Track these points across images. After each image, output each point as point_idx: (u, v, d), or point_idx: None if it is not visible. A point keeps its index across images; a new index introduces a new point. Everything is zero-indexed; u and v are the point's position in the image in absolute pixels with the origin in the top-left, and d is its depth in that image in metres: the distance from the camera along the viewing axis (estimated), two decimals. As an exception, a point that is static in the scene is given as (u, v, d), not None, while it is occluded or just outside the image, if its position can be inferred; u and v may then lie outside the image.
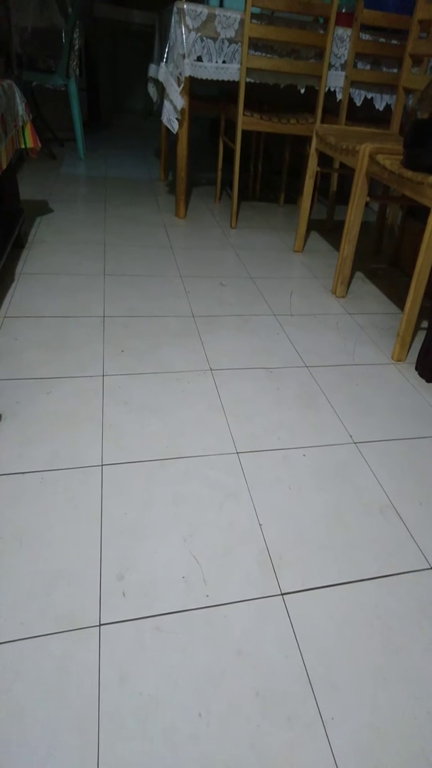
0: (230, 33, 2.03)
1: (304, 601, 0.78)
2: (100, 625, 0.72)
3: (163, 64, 2.14)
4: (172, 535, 0.86)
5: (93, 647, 0.69)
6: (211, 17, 1.98)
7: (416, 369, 1.41)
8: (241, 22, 2.00)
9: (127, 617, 0.73)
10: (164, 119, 2.19)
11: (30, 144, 1.82)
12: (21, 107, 1.74)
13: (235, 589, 0.79)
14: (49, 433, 1.05)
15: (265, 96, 2.91)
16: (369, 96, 2.38)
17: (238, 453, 1.05)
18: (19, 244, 1.92)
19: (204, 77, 2.09)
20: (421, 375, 1.38)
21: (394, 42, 2.23)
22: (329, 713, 0.65)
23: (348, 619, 0.76)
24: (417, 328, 1.62)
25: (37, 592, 0.75)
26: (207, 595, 0.77)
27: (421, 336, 1.57)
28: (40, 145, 1.87)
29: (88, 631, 0.71)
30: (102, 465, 0.98)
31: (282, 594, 0.79)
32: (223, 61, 2.09)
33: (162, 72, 2.14)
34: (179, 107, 2.12)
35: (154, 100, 2.74)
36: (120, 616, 0.73)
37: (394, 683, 0.69)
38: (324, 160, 2.05)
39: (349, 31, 2.18)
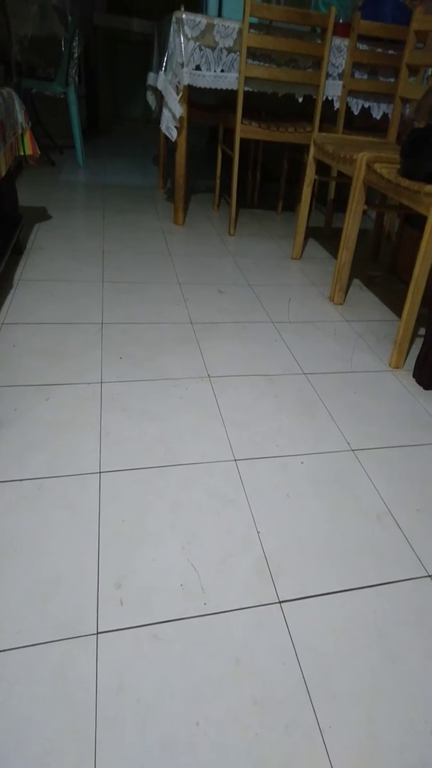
0: (229, 42, 2.05)
1: (302, 609, 0.78)
2: (98, 633, 0.72)
3: (161, 73, 2.15)
4: (170, 543, 0.86)
5: (90, 655, 0.69)
6: (210, 27, 2.00)
7: (414, 376, 1.41)
8: (240, 32, 2.02)
9: (124, 625, 0.73)
10: (163, 127, 2.21)
11: (29, 151, 1.83)
12: (20, 115, 1.75)
13: (233, 597, 0.79)
14: (47, 440, 1.05)
15: (263, 105, 2.93)
16: (366, 105, 2.40)
17: (236, 460, 1.05)
18: (18, 251, 1.93)
19: (202, 86, 2.11)
20: (419, 382, 1.38)
21: (391, 52, 2.25)
22: (327, 722, 0.65)
23: (346, 627, 0.76)
24: (414, 335, 1.62)
25: (34, 599, 0.75)
26: (205, 603, 0.77)
27: (418, 343, 1.58)
28: (39, 152, 1.88)
29: (85, 639, 0.71)
30: (100, 472, 0.98)
31: (280, 602, 0.79)
32: (222, 70, 2.10)
33: (161, 80, 2.16)
34: (178, 115, 2.13)
35: (153, 108, 2.75)
36: (118, 624, 0.73)
37: (392, 692, 0.69)
38: (322, 168, 2.07)
39: (346, 41, 2.20)
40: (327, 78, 2.25)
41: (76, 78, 3.25)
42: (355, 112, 2.40)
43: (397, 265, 2.15)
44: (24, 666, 0.67)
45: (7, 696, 0.64)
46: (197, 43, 2.02)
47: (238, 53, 2.07)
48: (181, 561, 0.83)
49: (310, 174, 2.02)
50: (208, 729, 0.63)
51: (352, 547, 0.89)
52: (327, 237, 2.54)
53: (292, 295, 1.84)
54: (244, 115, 2.24)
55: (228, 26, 2.01)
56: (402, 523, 0.95)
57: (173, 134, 2.20)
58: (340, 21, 2.27)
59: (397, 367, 1.45)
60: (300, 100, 2.32)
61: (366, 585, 0.83)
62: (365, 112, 2.47)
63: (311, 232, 2.59)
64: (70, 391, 1.20)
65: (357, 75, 2.31)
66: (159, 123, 2.27)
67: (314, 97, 2.28)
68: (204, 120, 2.63)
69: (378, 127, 2.64)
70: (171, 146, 2.64)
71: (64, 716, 0.62)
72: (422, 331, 1.67)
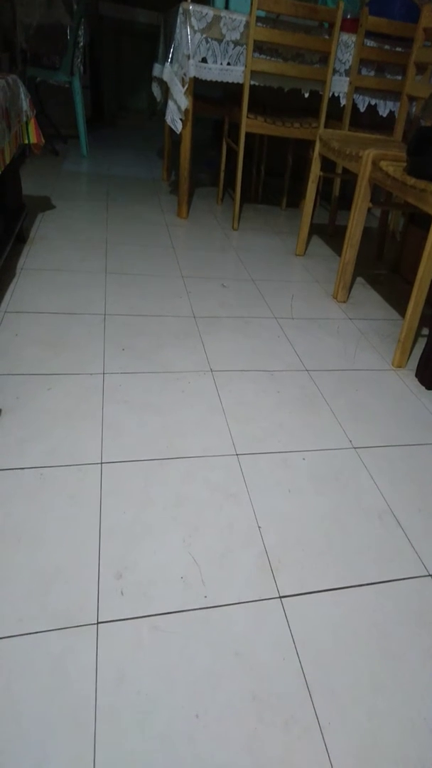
0: (235, 35, 2.03)
1: (302, 604, 0.78)
2: (98, 623, 0.72)
3: (167, 64, 2.14)
4: (171, 535, 0.86)
5: (90, 645, 0.69)
6: (217, 19, 1.98)
7: (416, 376, 1.41)
8: (247, 25, 2.00)
9: (124, 616, 0.73)
10: (168, 119, 2.19)
11: (33, 140, 1.81)
12: (25, 103, 1.73)
13: (233, 591, 0.79)
14: (48, 429, 1.04)
15: (268, 99, 2.91)
16: (373, 102, 2.39)
17: (237, 455, 1.05)
18: (21, 240, 1.91)
19: (208, 79, 2.09)
20: (422, 382, 1.38)
21: (398, 49, 2.24)
22: (326, 718, 0.65)
23: (346, 624, 0.76)
24: (418, 335, 1.62)
25: (35, 589, 0.75)
26: (205, 596, 0.77)
27: (421, 343, 1.58)
28: (43, 141, 1.86)
29: (85, 629, 0.71)
30: (101, 463, 0.98)
31: (280, 597, 0.79)
32: (228, 63, 2.09)
33: (166, 72, 2.14)
34: (183, 108, 2.12)
35: (158, 99, 2.73)
36: (118, 614, 0.73)
37: (391, 689, 0.69)
38: (327, 164, 2.06)
39: (353, 37, 2.19)
40: (334, 74, 2.24)
41: (81, 67, 3.22)
42: (362, 109, 2.39)
43: (401, 264, 2.15)
44: (24, 655, 0.67)
45: (6, 684, 0.63)
46: (204, 35, 2.00)
47: (244, 46, 2.06)
48: (182, 554, 0.83)
49: (315, 170, 2.01)
50: (207, 722, 0.63)
51: (352, 545, 0.89)
52: (331, 234, 2.53)
53: (295, 292, 1.84)
54: (249, 110, 2.22)
55: (235, 19, 2.00)
56: (403, 522, 0.95)
57: (178, 126, 2.19)
58: (348, 16, 2.26)
59: (400, 367, 1.45)
60: (306, 95, 2.31)
61: (366, 582, 0.83)
62: (371, 109, 2.45)
63: (315, 229, 2.58)
64: (72, 381, 1.20)
65: (364, 72, 2.30)
66: (164, 115, 2.26)
67: (320, 92, 2.27)
68: (209, 113, 2.61)
69: (384, 125, 2.63)
70: (175, 139, 2.62)
71: (64, 706, 0.62)
72: (425, 330, 1.67)
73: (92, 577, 0.78)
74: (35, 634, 0.69)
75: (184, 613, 0.75)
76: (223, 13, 1.98)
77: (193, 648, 0.70)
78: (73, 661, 0.67)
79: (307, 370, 1.37)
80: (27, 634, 0.69)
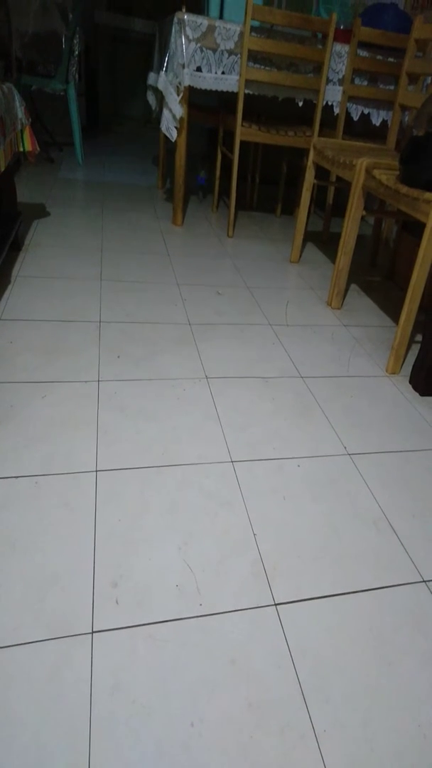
0: (230, 45, 2.05)
1: (297, 611, 0.78)
2: (93, 632, 0.72)
3: (162, 73, 2.15)
4: (166, 543, 0.86)
5: (86, 655, 0.69)
6: (211, 29, 2.00)
7: (410, 382, 1.42)
8: (241, 35, 2.02)
9: (120, 625, 0.73)
10: (163, 127, 2.21)
11: (28, 147, 1.82)
12: (20, 111, 1.74)
13: (228, 599, 0.79)
14: (43, 437, 1.04)
15: (263, 108, 2.94)
16: (366, 111, 2.42)
17: (233, 462, 1.05)
18: (16, 247, 1.92)
19: (203, 87, 2.11)
20: (415, 388, 1.39)
21: (390, 59, 2.26)
22: (322, 725, 0.65)
23: (341, 631, 0.76)
24: (411, 341, 1.63)
25: (30, 597, 0.74)
26: (200, 604, 0.77)
27: (415, 349, 1.59)
28: (38, 149, 1.87)
29: (80, 639, 0.70)
30: (96, 471, 0.98)
31: (276, 604, 0.79)
32: (222, 72, 2.11)
33: (161, 81, 2.16)
34: (178, 116, 2.13)
35: (153, 107, 2.75)
36: (113, 623, 0.73)
37: (387, 696, 0.69)
38: (321, 172, 2.08)
39: (347, 47, 2.21)
40: (327, 83, 2.26)
41: (77, 75, 3.24)
42: (355, 118, 2.41)
43: (394, 271, 2.17)
44: (19, 664, 0.66)
45: (2, 693, 0.63)
46: (198, 45, 2.02)
47: (239, 56, 2.08)
48: (177, 561, 0.83)
49: (309, 178, 2.03)
50: (203, 730, 0.63)
51: (348, 551, 0.89)
52: (325, 241, 2.55)
53: (290, 299, 1.84)
54: (244, 118, 2.24)
55: (229, 28, 2.02)
56: (398, 529, 0.95)
57: (173, 135, 2.20)
58: (341, 27, 2.28)
59: (394, 373, 1.45)
60: (300, 104, 2.33)
61: (361, 589, 0.83)
62: (365, 118, 2.48)
63: (309, 236, 2.60)
64: (67, 388, 1.20)
65: (357, 81, 2.32)
66: (159, 123, 2.27)
67: (314, 101, 2.29)
68: (204, 121, 2.63)
69: (377, 134, 2.66)
70: (170, 147, 2.64)
71: (59, 715, 0.62)
72: (419, 337, 1.68)
73: (87, 585, 0.77)
74: (30, 644, 0.69)
75: (180, 621, 0.75)
76: (218, 23, 2.00)
77: (188, 656, 0.70)
78: (68, 671, 0.67)
79: (301, 377, 1.38)
80: (22, 644, 0.69)
